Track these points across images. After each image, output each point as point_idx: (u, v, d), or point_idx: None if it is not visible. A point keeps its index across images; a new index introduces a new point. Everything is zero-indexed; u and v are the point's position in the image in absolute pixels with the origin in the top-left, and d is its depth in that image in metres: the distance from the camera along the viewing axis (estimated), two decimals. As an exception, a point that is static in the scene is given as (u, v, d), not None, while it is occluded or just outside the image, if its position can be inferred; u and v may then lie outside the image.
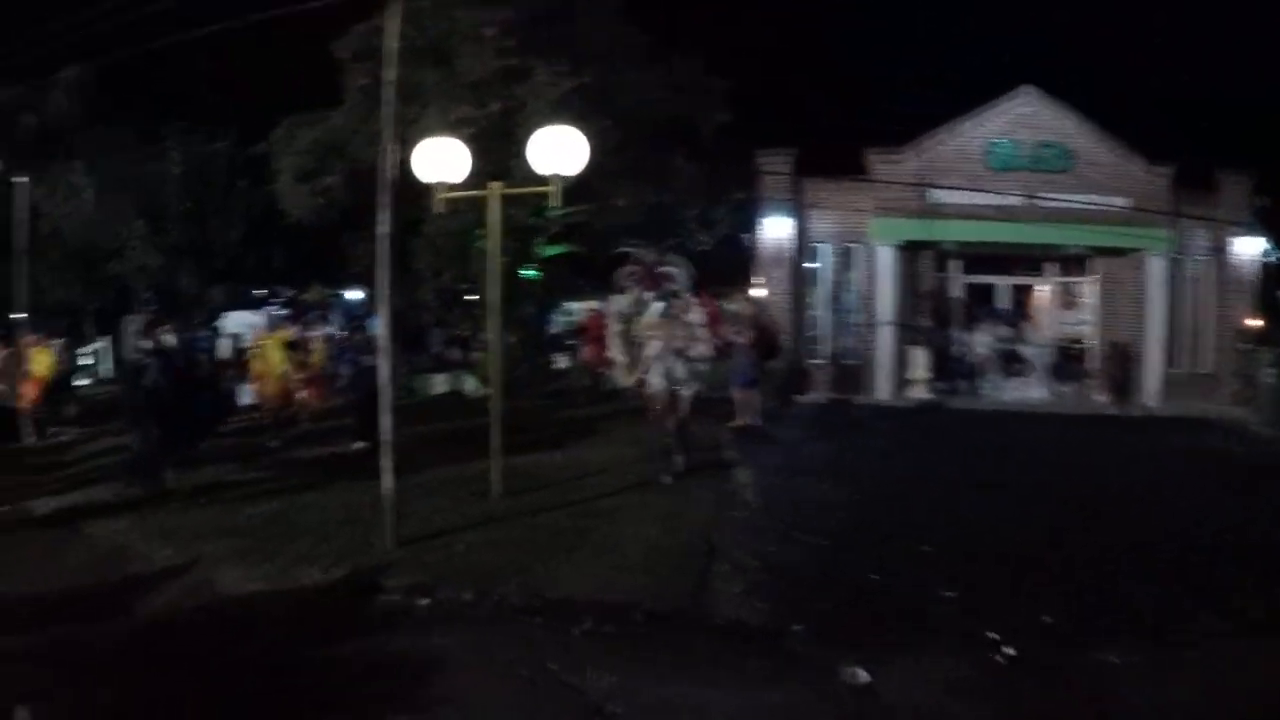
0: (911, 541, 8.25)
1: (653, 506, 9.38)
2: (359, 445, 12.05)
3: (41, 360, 15.46)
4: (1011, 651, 5.75)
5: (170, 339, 11.69)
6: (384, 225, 8.40)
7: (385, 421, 8.25)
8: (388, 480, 8.03)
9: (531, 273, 21.63)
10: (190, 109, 26.55)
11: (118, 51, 19.97)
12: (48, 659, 5.94)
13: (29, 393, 15.15)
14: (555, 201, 9.23)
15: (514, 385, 16.60)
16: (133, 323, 27.93)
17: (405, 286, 24.94)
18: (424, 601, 6.66)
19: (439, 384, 20.78)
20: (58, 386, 15.95)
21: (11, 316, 27.71)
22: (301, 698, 5.35)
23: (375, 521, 8.21)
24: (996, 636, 5.90)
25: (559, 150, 9.02)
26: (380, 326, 9.17)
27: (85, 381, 25.68)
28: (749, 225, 21.57)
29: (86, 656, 6.06)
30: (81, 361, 26.47)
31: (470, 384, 19.39)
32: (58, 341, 17.36)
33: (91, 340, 28.14)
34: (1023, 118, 20.11)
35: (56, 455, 13.85)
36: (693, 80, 19.07)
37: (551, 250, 21.36)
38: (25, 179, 27.78)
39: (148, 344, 11.48)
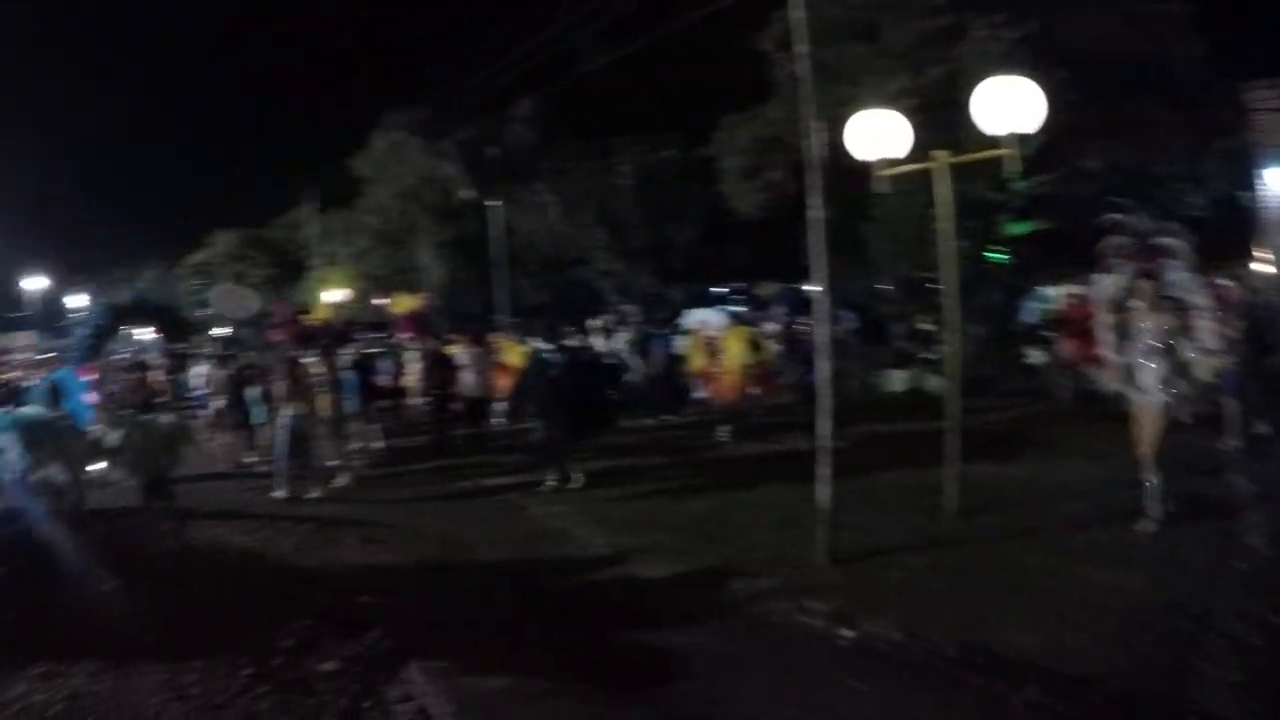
0: None
1: (1134, 548, 7.65)
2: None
3: (514, 353, 17.06)
4: None
5: (578, 338, 12.46)
6: (816, 210, 7.87)
7: (824, 425, 7.70)
8: (825, 489, 7.47)
9: (998, 255, 20.12)
10: (636, 121, 28.39)
11: (564, 78, 21.71)
12: (476, 618, 6.99)
13: (499, 383, 16.37)
14: (1012, 166, 8.09)
15: (978, 383, 15.36)
16: (600, 323, 30.81)
17: (860, 276, 24.61)
18: (847, 633, 5.97)
19: (898, 381, 19.87)
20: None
21: (497, 318, 31.62)
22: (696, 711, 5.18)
23: (810, 531, 7.59)
24: None
25: (1009, 105, 7.89)
26: (817, 319, 8.58)
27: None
28: (1247, 180, 18.17)
29: (506, 621, 6.81)
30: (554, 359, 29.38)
31: (931, 381, 18.25)
32: (534, 340, 18.95)
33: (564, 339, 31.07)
34: None
35: (521, 439, 15.26)
36: (1155, 10, 16.59)
37: (1018, 228, 19.68)
38: (498, 202, 31.58)
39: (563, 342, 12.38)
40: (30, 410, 10.39)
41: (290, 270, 44.00)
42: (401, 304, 20.46)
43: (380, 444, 15.32)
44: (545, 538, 9.19)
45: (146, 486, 9.83)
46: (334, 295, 34.60)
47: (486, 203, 31.29)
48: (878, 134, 8.61)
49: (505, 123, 32.39)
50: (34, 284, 45.98)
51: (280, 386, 12.28)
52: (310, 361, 13.13)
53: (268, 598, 8.01)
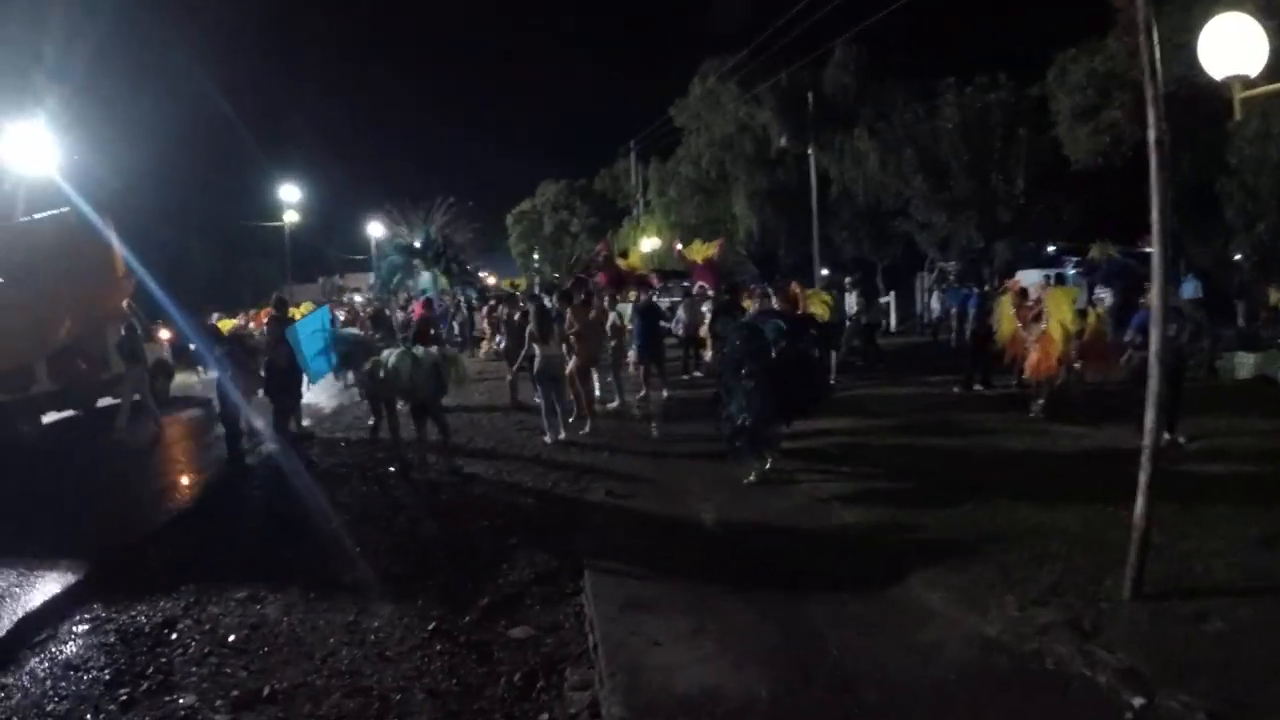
0: None
1: None
2: (1166, 438, 9.45)
3: (818, 306, 15.91)
4: None
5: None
6: (1154, 129, 5.93)
7: (1151, 415, 5.86)
8: (1142, 500, 5.54)
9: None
10: (961, 60, 25.82)
11: (881, 19, 20.10)
12: (691, 596, 6.04)
13: None
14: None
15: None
16: (924, 279, 28.74)
17: (1210, 239, 21.28)
18: (1135, 700, 4.33)
19: (1244, 366, 16.33)
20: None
21: (824, 272, 30.35)
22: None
23: (1116, 552, 5.81)
24: None
25: None
26: (1154, 278, 6.40)
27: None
28: None
29: (723, 606, 5.84)
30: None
31: (1282, 369, 14.86)
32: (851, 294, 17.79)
33: (880, 294, 29.32)
34: None
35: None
36: None
37: None
38: (810, 150, 30.22)
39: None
40: (347, 331, 11.72)
41: (611, 220, 44.93)
42: (697, 251, 19.67)
43: (663, 393, 14.73)
44: (802, 513, 7.94)
45: (413, 411, 10.29)
46: (648, 244, 34.98)
47: (802, 150, 30.26)
48: (1235, 44, 6.64)
49: (822, 67, 30.92)
50: (375, 230, 49.20)
51: (533, 329, 11.74)
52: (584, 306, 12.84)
53: (489, 544, 7.57)
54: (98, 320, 14.90)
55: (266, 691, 5.07)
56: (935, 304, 25.18)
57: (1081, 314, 12.59)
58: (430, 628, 5.77)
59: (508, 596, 6.26)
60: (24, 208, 15.70)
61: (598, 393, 13.94)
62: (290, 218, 38.81)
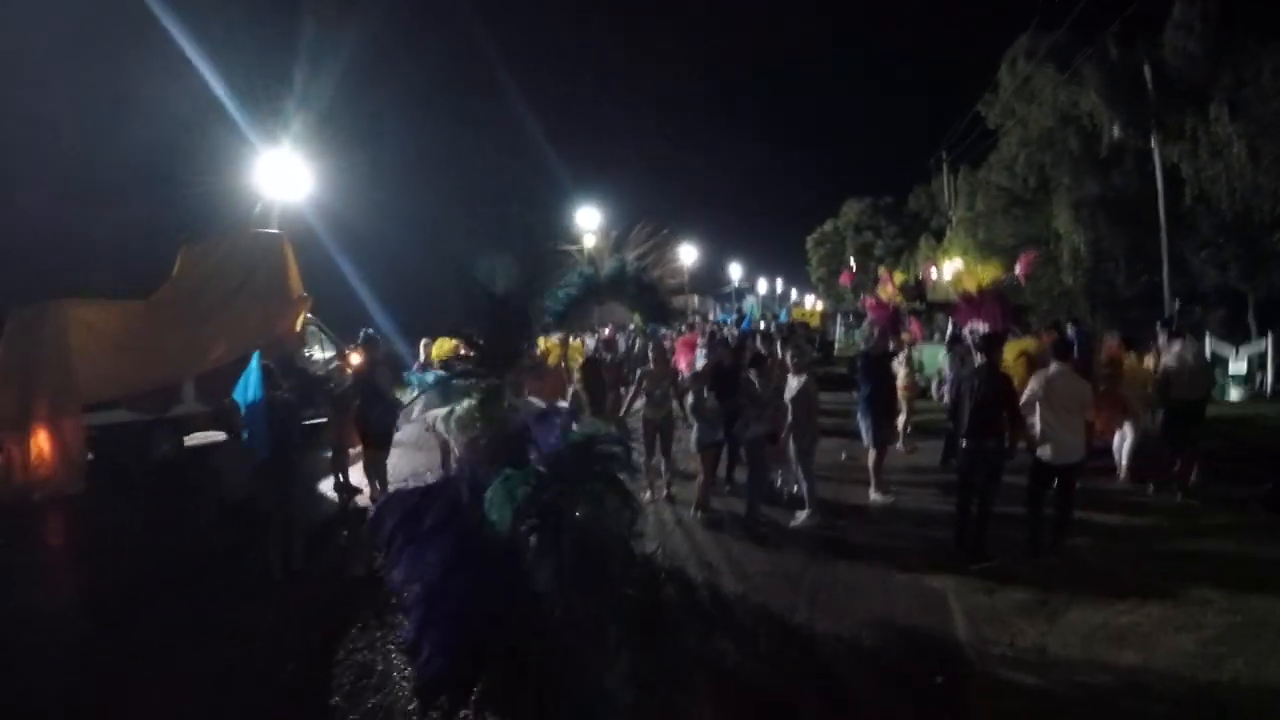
0: None
1: None
2: None
3: (1129, 367, 10.82)
4: None
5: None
6: None
7: None
8: None
9: None
10: None
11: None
12: None
13: (1109, 407, 10.33)
14: None
15: None
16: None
17: None
18: None
19: None
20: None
21: (1180, 306, 23.58)
22: None
23: None
24: None
25: None
26: None
27: (1235, 397, 19.45)
28: None
29: None
30: (1233, 370, 20.18)
31: None
32: (1171, 343, 11.43)
33: (1251, 339, 21.74)
34: None
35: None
36: None
37: None
38: (1153, 141, 23.55)
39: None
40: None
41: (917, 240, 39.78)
42: (969, 279, 14.82)
43: (879, 496, 10.14)
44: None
45: None
46: (951, 267, 29.77)
47: (1142, 143, 23.89)
48: None
49: (1159, 32, 24.04)
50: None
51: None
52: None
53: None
54: (265, 342, 13.71)
55: None
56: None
57: None
58: None
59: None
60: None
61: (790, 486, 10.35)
62: (589, 242, 38.13)
